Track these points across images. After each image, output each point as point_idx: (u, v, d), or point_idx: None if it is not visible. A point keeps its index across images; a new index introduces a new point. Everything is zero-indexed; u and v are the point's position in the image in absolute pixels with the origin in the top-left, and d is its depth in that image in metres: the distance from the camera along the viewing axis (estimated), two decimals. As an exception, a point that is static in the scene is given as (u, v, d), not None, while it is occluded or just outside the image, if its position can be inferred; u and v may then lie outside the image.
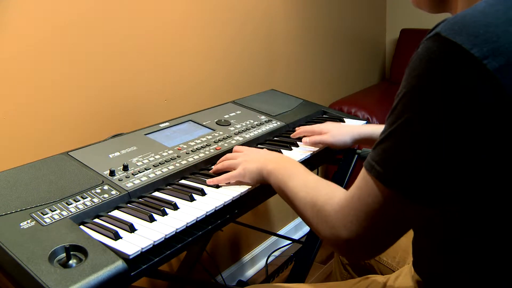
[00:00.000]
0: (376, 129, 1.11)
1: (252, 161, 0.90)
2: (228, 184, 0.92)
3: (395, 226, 0.60)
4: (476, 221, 0.59)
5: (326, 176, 2.31)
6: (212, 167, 1.02)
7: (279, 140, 1.19)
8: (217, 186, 0.91)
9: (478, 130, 0.50)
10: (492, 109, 0.49)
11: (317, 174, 1.52)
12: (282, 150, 1.09)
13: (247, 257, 1.93)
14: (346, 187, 1.39)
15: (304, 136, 1.14)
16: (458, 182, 0.54)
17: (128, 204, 0.84)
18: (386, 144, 0.57)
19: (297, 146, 1.14)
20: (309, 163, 1.11)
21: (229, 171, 0.93)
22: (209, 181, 0.91)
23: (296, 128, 1.18)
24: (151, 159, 0.98)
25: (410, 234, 0.72)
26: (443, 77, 0.51)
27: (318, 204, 0.69)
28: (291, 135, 1.18)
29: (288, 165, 0.84)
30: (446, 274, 0.68)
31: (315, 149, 1.12)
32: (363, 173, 0.61)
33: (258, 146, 1.15)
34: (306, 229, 2.22)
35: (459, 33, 0.50)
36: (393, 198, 0.57)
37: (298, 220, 2.23)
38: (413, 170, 0.54)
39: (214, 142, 1.10)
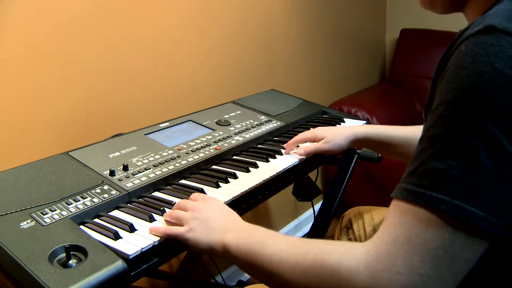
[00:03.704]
0: (371, 129, 1.07)
1: (201, 226, 0.71)
2: (227, 183, 0.92)
3: (460, 266, 0.47)
4: None
5: (326, 176, 2.31)
6: (212, 166, 1.02)
7: (279, 140, 1.19)
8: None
9: None
10: None
11: (317, 175, 1.54)
12: (283, 151, 1.09)
13: (247, 257, 1.92)
14: (346, 187, 1.39)
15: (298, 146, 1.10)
16: None
17: (128, 204, 0.84)
18: (439, 163, 0.47)
19: (297, 146, 1.14)
20: (309, 163, 1.12)
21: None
22: (150, 229, 0.74)
23: (285, 145, 1.10)
24: (151, 159, 0.98)
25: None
26: (509, 72, 0.45)
27: (330, 263, 0.52)
28: (284, 152, 1.09)
29: (252, 231, 0.66)
30: None
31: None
32: (400, 206, 0.50)
33: (259, 145, 1.15)
34: (306, 229, 2.22)
35: None
36: (460, 228, 0.46)
37: (298, 220, 2.23)
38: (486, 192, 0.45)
39: (214, 142, 1.10)
